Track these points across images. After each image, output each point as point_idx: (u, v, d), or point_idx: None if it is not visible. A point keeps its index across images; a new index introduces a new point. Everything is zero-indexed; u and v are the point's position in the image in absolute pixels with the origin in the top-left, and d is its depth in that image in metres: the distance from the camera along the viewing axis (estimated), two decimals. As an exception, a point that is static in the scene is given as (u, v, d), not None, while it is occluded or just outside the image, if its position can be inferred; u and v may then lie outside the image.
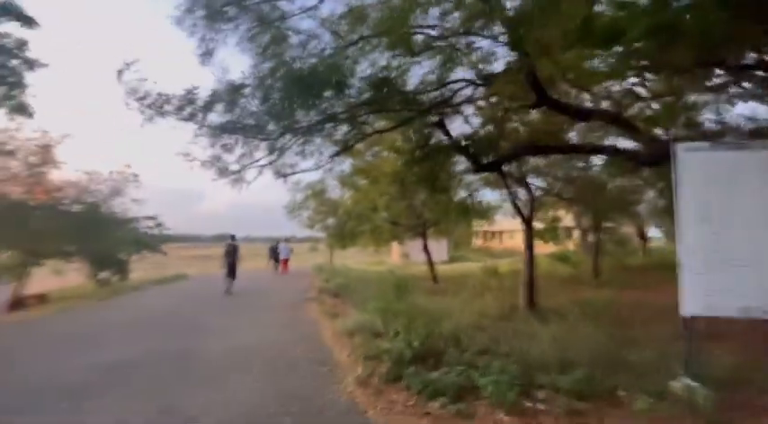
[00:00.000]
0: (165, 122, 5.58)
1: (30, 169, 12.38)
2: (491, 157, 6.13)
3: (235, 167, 6.37)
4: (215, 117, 5.71)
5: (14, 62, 6.35)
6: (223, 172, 6.33)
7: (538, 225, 16.77)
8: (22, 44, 6.33)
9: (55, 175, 12.47)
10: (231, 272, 12.32)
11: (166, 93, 5.46)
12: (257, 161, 6.40)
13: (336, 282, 11.09)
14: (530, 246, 8.66)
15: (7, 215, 12.34)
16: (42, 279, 17.19)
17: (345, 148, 6.79)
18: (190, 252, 57.57)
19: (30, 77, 7.14)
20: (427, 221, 15.37)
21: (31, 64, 6.71)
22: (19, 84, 6.77)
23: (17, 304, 13.81)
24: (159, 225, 19.56)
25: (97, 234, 12.84)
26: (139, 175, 13.30)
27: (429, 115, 5.74)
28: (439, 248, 30.80)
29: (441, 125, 6.16)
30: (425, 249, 15.47)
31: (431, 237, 28.53)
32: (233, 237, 12.81)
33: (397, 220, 13.83)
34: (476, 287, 10.82)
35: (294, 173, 7.30)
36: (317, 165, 7.01)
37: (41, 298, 14.92)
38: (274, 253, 19.82)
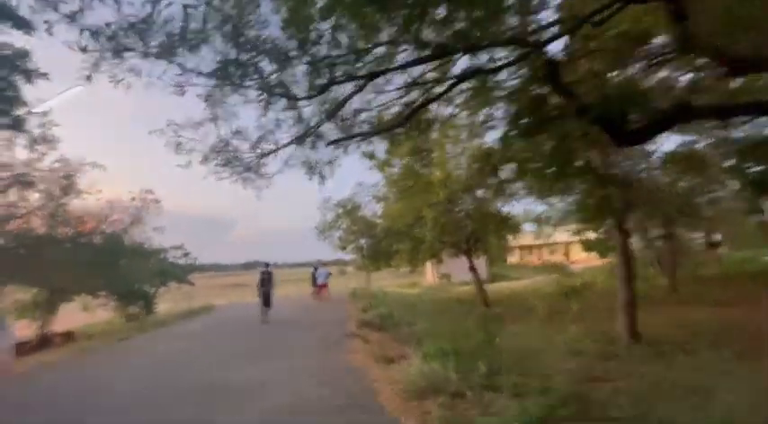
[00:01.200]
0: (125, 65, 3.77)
1: (52, 200, 11.76)
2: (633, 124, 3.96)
3: (248, 156, 4.78)
4: (208, 52, 3.76)
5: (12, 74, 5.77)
6: (230, 162, 4.80)
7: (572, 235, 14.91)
8: (23, 55, 5.63)
9: (77, 205, 11.76)
10: (266, 301, 11.25)
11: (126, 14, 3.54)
12: (279, 147, 4.75)
13: (378, 312, 9.63)
14: (626, 259, 6.92)
15: (31, 249, 11.68)
16: (72, 315, 16.62)
17: (427, 102, 4.86)
18: (219, 281, 57.59)
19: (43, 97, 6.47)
20: (471, 236, 13.80)
21: (29, 74, 5.92)
22: (17, 100, 6.03)
23: (43, 343, 13.08)
24: (186, 254, 18.83)
25: (121, 267, 12.00)
26: (161, 201, 12.49)
27: (542, 52, 3.77)
28: (477, 266, 28.77)
29: (553, 75, 3.95)
30: (472, 267, 13.83)
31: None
32: (267, 265, 11.75)
33: (443, 235, 12.37)
34: (544, 311, 9.10)
35: (330, 165, 5.38)
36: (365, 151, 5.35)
37: (68, 336, 14.15)
38: (314, 279, 18.30)
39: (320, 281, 17.33)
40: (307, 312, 13.79)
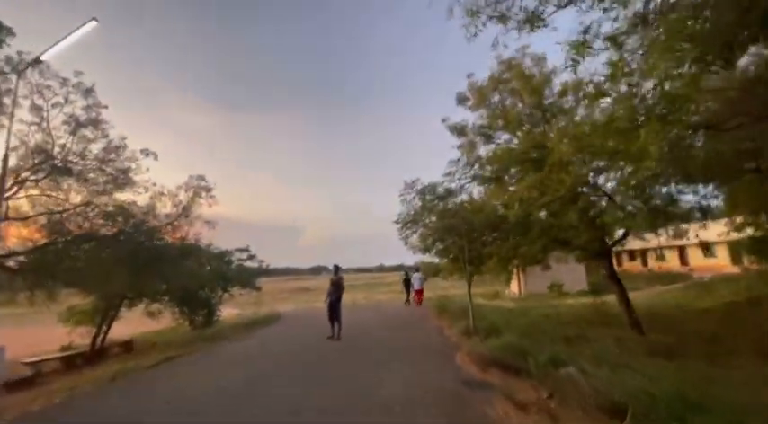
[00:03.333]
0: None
1: (104, 194, 10.29)
2: None
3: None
4: None
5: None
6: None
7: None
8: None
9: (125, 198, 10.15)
10: (332, 315, 8.58)
11: None
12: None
13: (500, 341, 6.36)
14: None
15: (86, 250, 10.26)
16: (135, 321, 15.60)
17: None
18: (288, 285, 57.96)
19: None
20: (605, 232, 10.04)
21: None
22: None
23: (99, 353, 11.80)
24: (252, 256, 17.16)
25: (180, 270, 10.14)
26: (213, 189, 10.44)
27: None
28: (574, 275, 24.18)
29: None
30: (612, 276, 10.00)
31: (559, 260, 22.29)
32: (337, 268, 9.05)
33: (569, 231, 8.91)
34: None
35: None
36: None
37: (127, 346, 12.86)
38: (407, 284, 17.48)
39: (416, 286, 16.16)
40: (387, 325, 10.95)
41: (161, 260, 10.14)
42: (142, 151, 10.09)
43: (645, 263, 34.45)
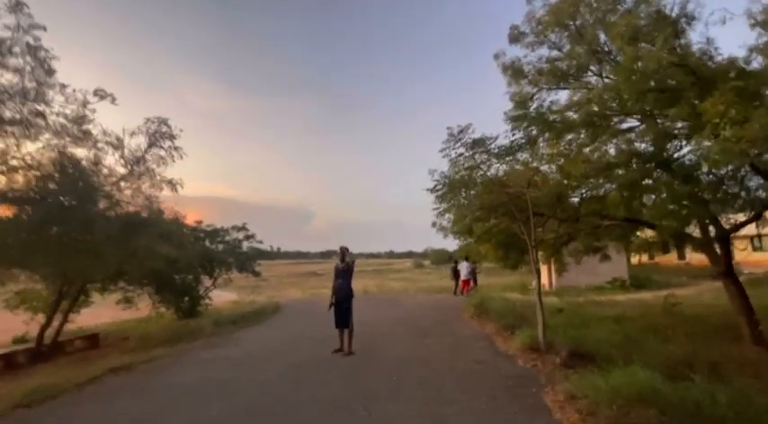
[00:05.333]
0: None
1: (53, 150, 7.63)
2: None
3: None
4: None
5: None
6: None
7: None
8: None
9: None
10: (340, 320, 5.88)
11: None
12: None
13: (639, 383, 3.64)
14: None
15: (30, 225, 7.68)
16: (106, 310, 13.18)
17: None
18: (297, 269, 56.00)
19: None
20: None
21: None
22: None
23: (53, 350, 9.44)
24: (249, 237, 14.61)
25: (126, 248, 7.44)
26: (178, 136, 7.56)
27: None
28: (612, 266, 21.27)
29: None
30: (729, 272, 7.13)
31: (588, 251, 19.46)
32: (344, 253, 6.20)
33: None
34: None
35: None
36: None
37: (92, 341, 10.48)
38: (456, 273, 16.40)
39: (463, 276, 15.19)
40: (413, 326, 8.32)
41: (97, 232, 7.48)
42: (96, 92, 7.37)
43: (681, 256, 31.20)
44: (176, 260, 9.62)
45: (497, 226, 8.58)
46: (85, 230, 6.15)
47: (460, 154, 6.16)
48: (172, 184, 7.46)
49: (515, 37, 8.59)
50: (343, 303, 5.85)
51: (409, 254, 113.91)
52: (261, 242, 14.50)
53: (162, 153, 7.18)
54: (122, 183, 7.00)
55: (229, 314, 11.49)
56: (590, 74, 8.18)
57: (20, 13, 7.01)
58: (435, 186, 6.67)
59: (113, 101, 7.50)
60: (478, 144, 6.24)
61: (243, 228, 14.22)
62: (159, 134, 7.03)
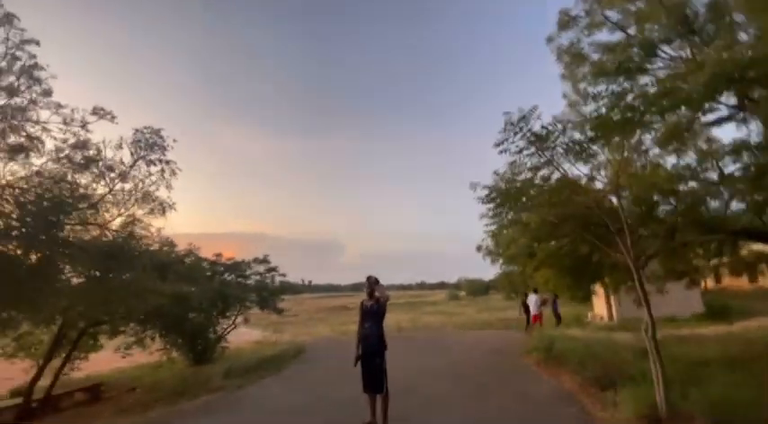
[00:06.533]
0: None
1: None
2: None
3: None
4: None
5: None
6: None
7: None
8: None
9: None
10: (371, 381, 4.17)
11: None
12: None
13: None
14: None
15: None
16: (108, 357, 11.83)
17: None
18: (327, 303, 54.25)
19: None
20: None
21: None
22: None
23: (46, 405, 8.19)
24: (272, 270, 13.32)
25: (135, 282, 6.20)
26: (169, 147, 6.35)
27: None
28: (683, 295, 18.22)
29: None
30: None
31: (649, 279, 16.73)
32: (372, 285, 4.49)
33: None
34: None
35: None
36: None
37: (93, 393, 9.21)
38: (527, 308, 14.74)
39: (533, 311, 13.47)
40: (467, 383, 6.44)
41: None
42: (95, 111, 6.45)
43: (753, 278, 27.10)
44: (185, 297, 8.34)
45: (567, 246, 6.77)
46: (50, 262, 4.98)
47: (520, 150, 4.55)
48: (161, 206, 6.21)
49: (565, 23, 7.15)
50: (373, 356, 4.17)
51: (442, 285, 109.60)
52: (284, 275, 13.16)
53: (152, 168, 6.01)
54: (102, 205, 5.82)
55: (247, 359, 9.95)
56: (665, 55, 6.55)
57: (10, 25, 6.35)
58: (490, 193, 5.04)
59: (113, 119, 6.55)
60: (541, 139, 4.62)
61: (264, 261, 12.98)
62: (147, 144, 5.90)
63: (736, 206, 7.09)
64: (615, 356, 6.84)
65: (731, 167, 6.73)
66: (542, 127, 4.44)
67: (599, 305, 19.78)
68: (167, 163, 6.04)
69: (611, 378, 5.51)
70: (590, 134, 4.36)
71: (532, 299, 13.66)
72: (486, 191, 5.02)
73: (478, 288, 53.25)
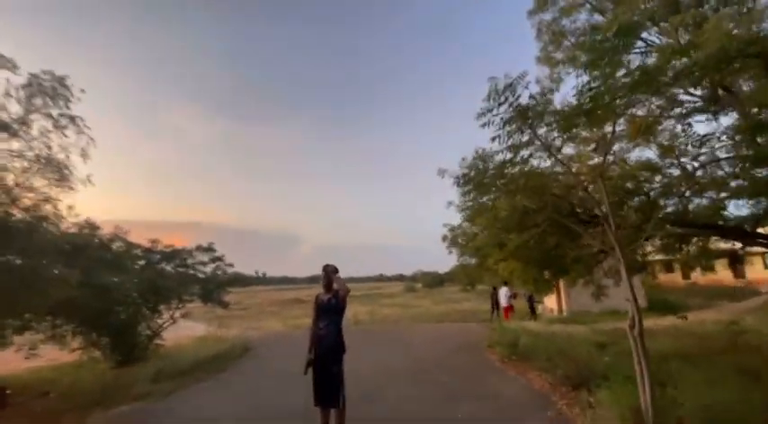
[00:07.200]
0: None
1: None
2: None
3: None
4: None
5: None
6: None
7: None
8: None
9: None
10: (326, 391, 3.42)
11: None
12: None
13: None
14: None
15: None
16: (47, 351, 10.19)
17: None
18: (281, 296, 52.27)
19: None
20: None
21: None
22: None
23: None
24: (217, 259, 12.05)
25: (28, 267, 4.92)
26: (74, 98, 5.17)
27: None
28: (625, 288, 19.02)
29: None
30: None
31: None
32: (329, 275, 3.73)
33: None
34: None
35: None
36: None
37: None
38: (495, 300, 15.63)
39: (503, 303, 14.15)
40: (431, 382, 5.88)
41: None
42: None
43: (686, 276, 29.45)
44: (107, 288, 7.04)
45: (536, 238, 6.38)
46: None
47: (507, 121, 3.94)
48: (61, 171, 4.95)
49: (542, 3, 6.72)
50: (329, 363, 3.42)
51: (400, 277, 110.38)
52: (231, 265, 11.95)
53: (50, 124, 4.73)
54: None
55: (184, 359, 8.76)
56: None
57: None
58: (468, 174, 4.42)
59: (14, 68, 5.11)
60: (528, 111, 4.05)
61: (209, 249, 11.69)
62: (44, 93, 4.61)
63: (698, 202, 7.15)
64: (579, 351, 6.59)
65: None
66: (531, 96, 3.87)
67: (549, 299, 20.36)
68: (72, 119, 4.79)
69: (582, 376, 5.19)
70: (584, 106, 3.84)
71: (503, 291, 14.16)
72: (463, 171, 4.41)
73: (434, 281, 53.98)
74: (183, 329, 13.56)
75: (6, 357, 8.85)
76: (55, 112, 4.59)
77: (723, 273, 26.18)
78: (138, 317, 8.49)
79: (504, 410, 4.41)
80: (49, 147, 4.89)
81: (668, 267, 29.91)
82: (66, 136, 4.73)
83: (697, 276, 27.43)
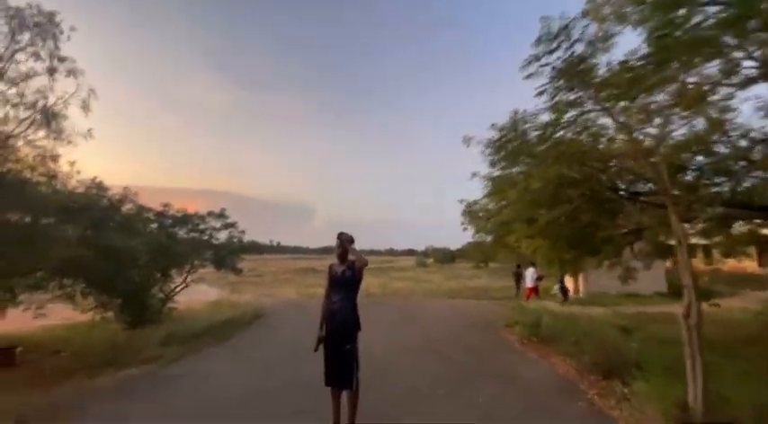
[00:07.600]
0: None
1: None
2: None
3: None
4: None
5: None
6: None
7: None
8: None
9: None
10: (338, 371, 3.05)
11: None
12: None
13: None
14: None
15: None
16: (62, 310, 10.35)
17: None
18: (294, 265, 53.01)
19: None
20: None
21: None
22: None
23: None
24: (230, 226, 11.88)
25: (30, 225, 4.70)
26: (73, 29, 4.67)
27: None
28: (648, 273, 18.32)
29: None
30: None
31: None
32: (344, 244, 3.28)
33: None
34: None
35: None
36: None
37: (7, 357, 7.78)
38: (518, 278, 15.28)
39: (529, 283, 13.38)
40: (453, 368, 5.57)
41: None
42: None
43: (709, 262, 28.37)
44: (116, 250, 6.85)
45: (569, 214, 5.83)
46: None
47: (558, 74, 3.33)
48: (46, 117, 4.53)
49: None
50: (341, 340, 3.08)
51: (410, 252, 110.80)
52: (243, 232, 11.76)
53: (38, 64, 4.28)
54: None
55: (197, 323, 8.71)
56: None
57: None
58: (502, 138, 3.87)
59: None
60: (580, 63, 3.42)
61: (221, 215, 11.48)
62: (29, 28, 4.13)
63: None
64: (605, 336, 6.16)
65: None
66: (588, 43, 3.23)
67: (566, 280, 19.84)
68: (61, 60, 4.33)
69: (612, 363, 4.78)
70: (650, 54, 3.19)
71: (530, 272, 13.37)
72: (499, 134, 3.86)
73: (445, 257, 53.84)
74: (196, 293, 13.68)
75: (21, 315, 8.98)
76: (44, 53, 4.15)
77: (747, 261, 25.04)
78: (150, 280, 8.40)
79: (529, 397, 4.05)
80: (45, 97, 4.50)
81: (691, 252, 28.51)
82: (54, 80, 4.29)
83: (720, 262, 26.34)
